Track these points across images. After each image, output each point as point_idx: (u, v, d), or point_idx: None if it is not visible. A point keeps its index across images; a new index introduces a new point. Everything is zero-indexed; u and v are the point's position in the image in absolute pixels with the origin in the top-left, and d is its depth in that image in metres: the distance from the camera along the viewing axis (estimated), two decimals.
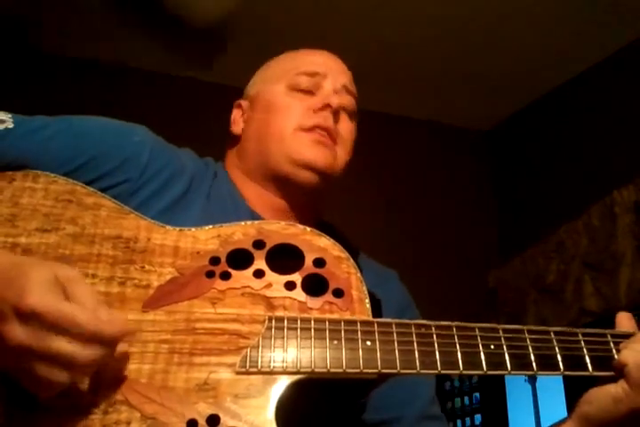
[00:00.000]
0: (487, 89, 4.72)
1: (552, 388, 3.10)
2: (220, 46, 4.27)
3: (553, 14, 4.10)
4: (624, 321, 1.43)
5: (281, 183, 1.68)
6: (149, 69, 4.50)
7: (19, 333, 1.04)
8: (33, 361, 1.05)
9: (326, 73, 1.76)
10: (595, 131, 4.39)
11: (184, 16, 3.99)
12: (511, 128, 5.12)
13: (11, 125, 1.42)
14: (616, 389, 1.32)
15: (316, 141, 1.67)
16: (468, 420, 3.77)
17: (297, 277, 1.32)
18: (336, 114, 1.71)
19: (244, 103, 1.83)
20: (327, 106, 1.69)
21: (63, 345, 1.05)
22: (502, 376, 3.48)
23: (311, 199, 1.73)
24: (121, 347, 1.14)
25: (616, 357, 1.34)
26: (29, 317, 1.04)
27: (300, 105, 1.71)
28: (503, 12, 4.10)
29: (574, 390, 1.42)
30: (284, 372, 1.21)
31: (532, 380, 3.39)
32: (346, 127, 1.75)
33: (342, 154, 1.72)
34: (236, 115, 1.84)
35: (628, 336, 1.39)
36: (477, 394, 3.76)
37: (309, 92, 1.73)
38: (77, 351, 1.05)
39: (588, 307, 3.91)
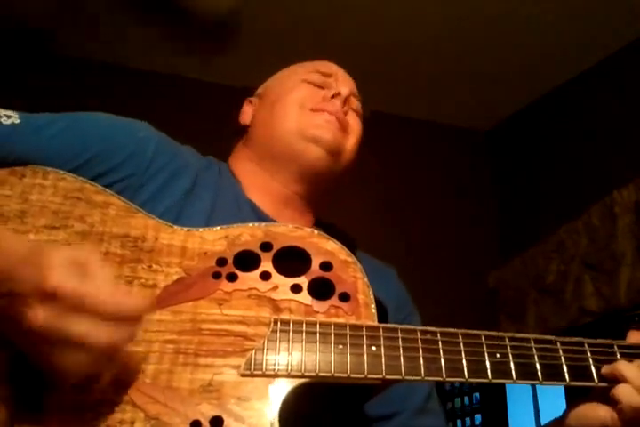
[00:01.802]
0: (487, 89, 4.72)
1: (552, 389, 3.11)
2: (230, 39, 4.26)
3: (553, 14, 4.10)
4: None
5: (289, 163, 1.69)
6: (149, 69, 4.50)
7: (41, 314, 1.03)
8: (56, 343, 1.04)
9: (338, 78, 1.80)
10: (595, 131, 4.39)
11: (192, 9, 3.98)
12: (511, 128, 5.13)
13: (17, 121, 1.42)
14: (605, 415, 1.34)
15: (325, 121, 1.69)
16: (468, 420, 3.77)
17: (303, 281, 1.33)
18: (345, 106, 1.74)
19: (253, 99, 1.88)
20: (337, 94, 1.73)
21: (85, 326, 1.04)
22: None
23: (315, 190, 1.74)
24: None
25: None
26: (51, 297, 1.03)
27: (310, 89, 1.75)
28: (503, 11, 4.10)
29: (575, 391, 1.42)
30: (289, 375, 1.21)
31: None
32: (354, 123, 1.77)
33: (350, 145, 1.75)
34: (245, 108, 1.87)
35: (635, 348, 1.39)
36: (477, 394, 3.76)
37: (320, 87, 1.76)
38: (99, 331, 1.05)
39: (588, 307, 3.91)
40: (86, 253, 1.12)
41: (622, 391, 1.32)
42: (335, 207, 1.93)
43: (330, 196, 1.82)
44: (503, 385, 3.57)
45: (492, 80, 4.65)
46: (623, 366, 1.33)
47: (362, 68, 1.85)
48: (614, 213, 3.95)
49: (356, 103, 1.80)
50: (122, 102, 3.73)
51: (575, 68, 4.58)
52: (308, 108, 1.71)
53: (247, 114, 1.85)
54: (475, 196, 5.03)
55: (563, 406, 1.46)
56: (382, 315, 1.35)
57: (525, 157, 4.97)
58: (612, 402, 1.34)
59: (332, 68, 1.83)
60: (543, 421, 3.16)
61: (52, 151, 1.43)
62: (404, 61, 4.45)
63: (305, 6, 4.08)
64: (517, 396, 3.48)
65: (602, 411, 1.34)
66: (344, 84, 1.79)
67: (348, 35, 4.22)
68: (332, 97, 1.73)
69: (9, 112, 1.43)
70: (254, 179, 1.72)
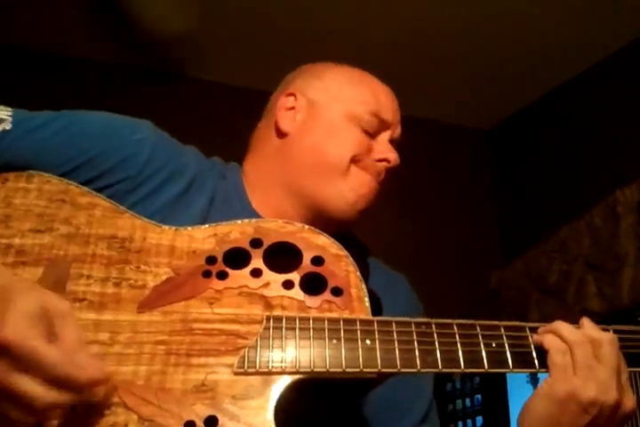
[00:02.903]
0: (487, 89, 4.72)
1: None
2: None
3: (553, 14, 4.10)
4: None
5: (313, 202, 1.65)
6: (149, 68, 4.49)
7: None
8: None
9: (392, 123, 1.73)
10: (596, 130, 4.39)
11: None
12: (511, 128, 5.12)
13: (8, 127, 1.40)
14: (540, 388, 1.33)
15: (369, 187, 1.66)
16: (469, 422, 3.76)
17: (295, 276, 1.32)
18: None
19: (300, 101, 1.74)
20: (387, 160, 1.69)
21: (27, 385, 1.02)
22: (504, 378, 3.47)
23: (325, 225, 1.67)
24: (96, 393, 1.11)
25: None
26: (2, 349, 1.01)
27: (361, 138, 1.68)
28: (503, 11, 4.10)
29: None
30: (283, 372, 1.20)
31: (534, 381, 3.38)
32: (384, 179, 1.73)
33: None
34: (289, 113, 1.73)
35: (630, 332, 1.39)
36: (479, 396, 3.74)
37: (370, 134, 1.69)
38: (37, 393, 1.02)
39: (591, 307, 3.91)
40: (57, 304, 1.09)
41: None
42: None
43: None
44: (505, 386, 3.56)
45: (491, 80, 4.64)
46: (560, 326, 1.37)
47: (361, 67, 1.82)
48: (617, 213, 3.94)
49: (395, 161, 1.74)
50: (121, 102, 3.73)
51: (575, 68, 4.57)
52: (354, 165, 1.65)
53: (291, 120, 1.72)
54: (475, 196, 5.02)
55: None
56: (376, 308, 1.34)
57: (526, 157, 4.96)
58: None
59: (390, 114, 1.74)
60: None
61: (46, 154, 1.42)
62: (404, 61, 4.44)
63: (305, 6, 4.08)
64: (519, 397, 3.45)
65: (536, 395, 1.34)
66: (392, 133, 1.74)
67: (348, 34, 4.22)
68: (381, 160, 1.69)
69: (2, 113, 1.42)
70: (266, 198, 1.68)
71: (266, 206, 1.66)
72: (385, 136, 1.72)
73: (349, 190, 1.63)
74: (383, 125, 1.71)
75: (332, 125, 1.68)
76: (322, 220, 1.62)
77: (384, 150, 1.69)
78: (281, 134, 1.71)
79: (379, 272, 1.48)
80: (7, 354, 1.01)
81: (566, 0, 3.99)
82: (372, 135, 1.69)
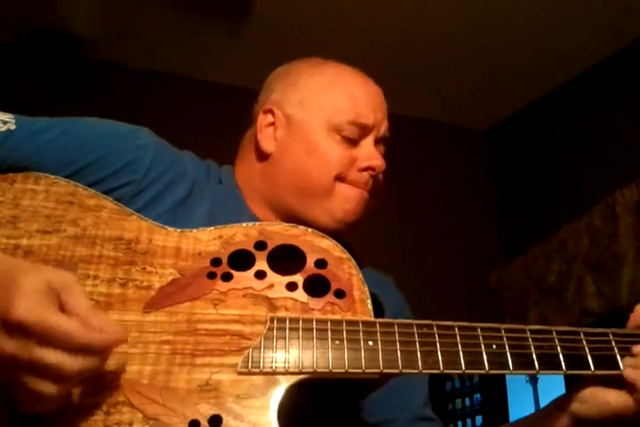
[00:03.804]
0: (487, 89, 4.72)
1: (553, 389, 3.09)
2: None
3: (553, 14, 4.10)
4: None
5: (300, 218, 1.63)
6: (149, 69, 4.49)
7: (6, 344, 1.03)
8: (23, 373, 1.04)
9: (374, 125, 1.71)
10: (595, 130, 4.38)
11: None
12: (511, 128, 5.12)
13: (13, 127, 1.41)
14: (617, 400, 1.33)
15: (356, 200, 1.66)
16: (469, 421, 3.76)
17: (299, 278, 1.33)
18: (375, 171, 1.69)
19: (278, 116, 1.72)
20: (371, 168, 1.67)
21: (49, 356, 1.03)
22: (503, 377, 3.47)
23: None
24: (116, 354, 1.14)
25: (617, 356, 1.35)
26: (16, 328, 1.03)
27: (342, 153, 1.66)
28: (503, 11, 4.10)
29: None
30: (286, 372, 1.21)
31: (534, 381, 3.39)
32: (378, 185, 1.72)
33: (371, 204, 1.71)
34: (268, 130, 1.72)
35: (629, 335, 1.39)
36: (478, 395, 3.75)
37: (353, 141, 1.67)
38: (64, 362, 1.03)
39: (590, 307, 3.91)
40: (61, 278, 1.11)
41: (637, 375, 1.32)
42: None
43: None
44: (504, 386, 3.56)
45: (491, 80, 4.64)
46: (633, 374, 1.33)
47: (361, 68, 1.83)
48: (616, 213, 3.94)
49: (383, 151, 1.74)
50: (122, 102, 3.74)
51: (575, 67, 4.57)
52: (339, 181, 1.65)
53: (268, 140, 1.71)
54: (475, 196, 5.02)
55: None
56: (378, 310, 1.35)
57: (526, 157, 4.96)
58: (627, 387, 1.33)
59: (370, 118, 1.70)
60: None
61: (48, 157, 1.43)
62: (404, 61, 4.44)
63: (306, 6, 4.08)
64: (518, 397, 3.47)
65: (612, 397, 1.34)
66: (376, 133, 1.72)
67: (348, 35, 4.23)
68: (365, 169, 1.67)
69: (5, 116, 1.43)
70: (259, 207, 1.69)
71: (261, 211, 1.69)
72: (368, 141, 1.70)
73: (336, 207, 1.64)
74: (365, 131, 1.69)
75: (312, 144, 1.66)
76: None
77: (368, 157, 1.68)
78: (264, 155, 1.71)
79: (367, 275, 1.49)
80: (25, 333, 1.02)
81: (566, 0, 4.00)
82: (355, 142, 1.68)
